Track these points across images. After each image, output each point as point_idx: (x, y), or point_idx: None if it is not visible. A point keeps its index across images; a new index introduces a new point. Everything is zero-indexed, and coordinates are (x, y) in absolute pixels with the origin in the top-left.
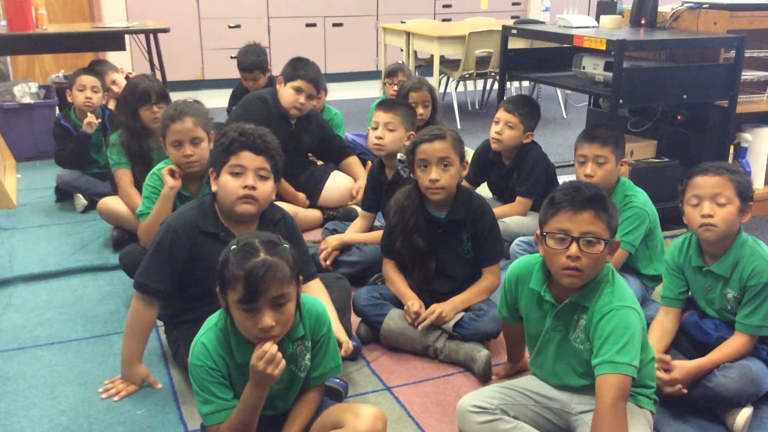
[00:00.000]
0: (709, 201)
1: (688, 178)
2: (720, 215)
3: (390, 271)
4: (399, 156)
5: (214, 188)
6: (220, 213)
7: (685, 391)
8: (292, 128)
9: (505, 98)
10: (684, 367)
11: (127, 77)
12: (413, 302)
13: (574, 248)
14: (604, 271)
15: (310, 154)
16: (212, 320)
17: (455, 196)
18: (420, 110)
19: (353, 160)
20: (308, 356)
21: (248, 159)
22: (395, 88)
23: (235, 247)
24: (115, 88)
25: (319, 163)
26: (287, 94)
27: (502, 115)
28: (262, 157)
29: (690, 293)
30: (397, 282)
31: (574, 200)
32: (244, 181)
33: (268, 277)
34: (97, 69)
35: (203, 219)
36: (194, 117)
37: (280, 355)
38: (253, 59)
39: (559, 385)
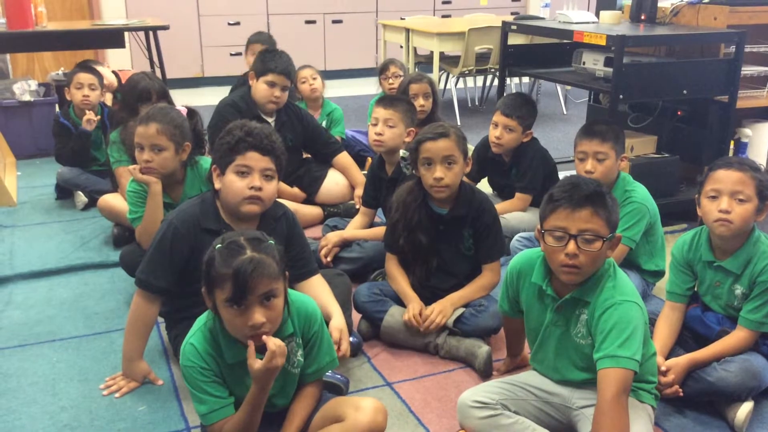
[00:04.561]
0: (728, 196)
1: (710, 170)
2: (737, 212)
3: (392, 267)
4: (401, 153)
5: (217, 186)
6: (222, 210)
7: (681, 393)
8: (272, 127)
9: (503, 96)
10: (678, 364)
11: (114, 73)
12: (414, 307)
13: (571, 246)
14: (605, 265)
15: (304, 153)
16: (201, 321)
17: (457, 193)
18: (421, 101)
19: (348, 162)
20: (300, 353)
21: (255, 159)
22: (390, 81)
23: (219, 245)
24: (104, 81)
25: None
26: (261, 89)
27: (500, 119)
28: (269, 157)
29: (695, 288)
30: (399, 280)
31: (572, 197)
32: (250, 182)
33: (256, 274)
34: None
35: (204, 216)
36: (161, 124)
37: (279, 342)
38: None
39: (560, 380)
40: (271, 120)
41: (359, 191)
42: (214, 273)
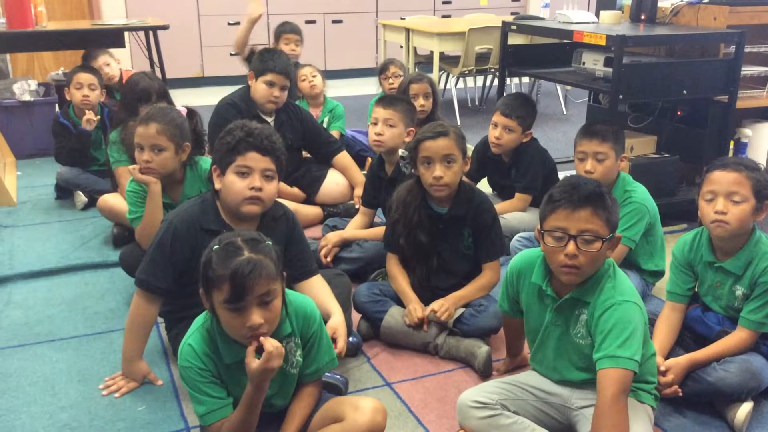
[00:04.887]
0: (723, 197)
1: (707, 172)
2: (733, 213)
3: (393, 267)
4: (400, 152)
5: (217, 186)
6: (222, 210)
7: (680, 393)
8: (272, 127)
9: (503, 96)
10: (678, 364)
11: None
12: (416, 309)
13: (571, 247)
14: (605, 266)
15: (304, 152)
16: (199, 321)
17: (457, 192)
18: (421, 101)
19: (348, 162)
20: (299, 353)
21: (255, 160)
22: (390, 81)
23: (217, 246)
24: (107, 70)
25: None
26: (260, 89)
27: (499, 119)
28: (269, 157)
29: (696, 288)
30: (399, 280)
31: (572, 198)
32: (250, 183)
33: (254, 275)
34: (92, 54)
35: (205, 216)
36: (161, 125)
37: (277, 344)
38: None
39: (559, 380)
40: (270, 119)
41: (359, 191)
42: (211, 274)
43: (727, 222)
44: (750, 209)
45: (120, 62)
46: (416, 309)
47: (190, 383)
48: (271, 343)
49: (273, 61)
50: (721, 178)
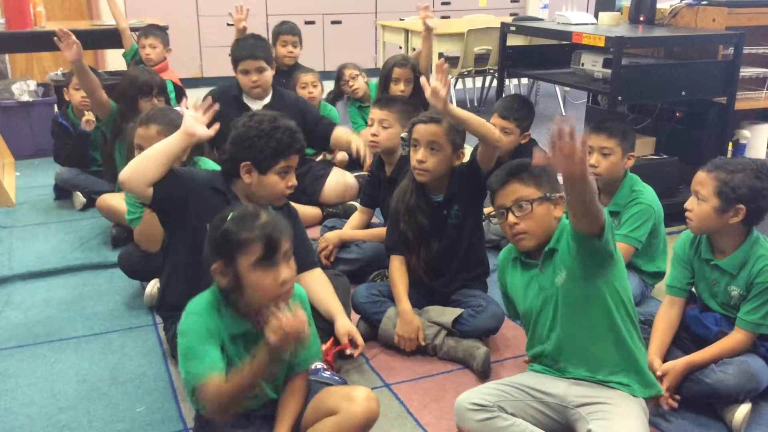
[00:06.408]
0: (693, 195)
1: None
2: (695, 211)
3: (395, 271)
4: (402, 134)
5: (248, 181)
6: (235, 187)
7: (675, 405)
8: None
9: (501, 98)
10: (674, 368)
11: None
12: (407, 341)
13: (510, 218)
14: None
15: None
16: (204, 299)
17: (449, 180)
18: (401, 86)
19: (342, 131)
20: None
21: (295, 160)
22: (350, 84)
23: (231, 216)
24: (148, 51)
25: (318, 159)
26: (240, 79)
27: (497, 121)
28: (300, 154)
29: (694, 286)
30: (398, 286)
31: (497, 178)
32: (288, 181)
33: (280, 231)
34: (145, 33)
35: (215, 180)
36: (161, 126)
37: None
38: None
39: (559, 364)
40: (261, 103)
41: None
42: (236, 239)
43: (690, 219)
44: (710, 209)
45: (170, 51)
46: (409, 341)
47: (193, 339)
48: (301, 312)
49: (239, 50)
50: (695, 177)
